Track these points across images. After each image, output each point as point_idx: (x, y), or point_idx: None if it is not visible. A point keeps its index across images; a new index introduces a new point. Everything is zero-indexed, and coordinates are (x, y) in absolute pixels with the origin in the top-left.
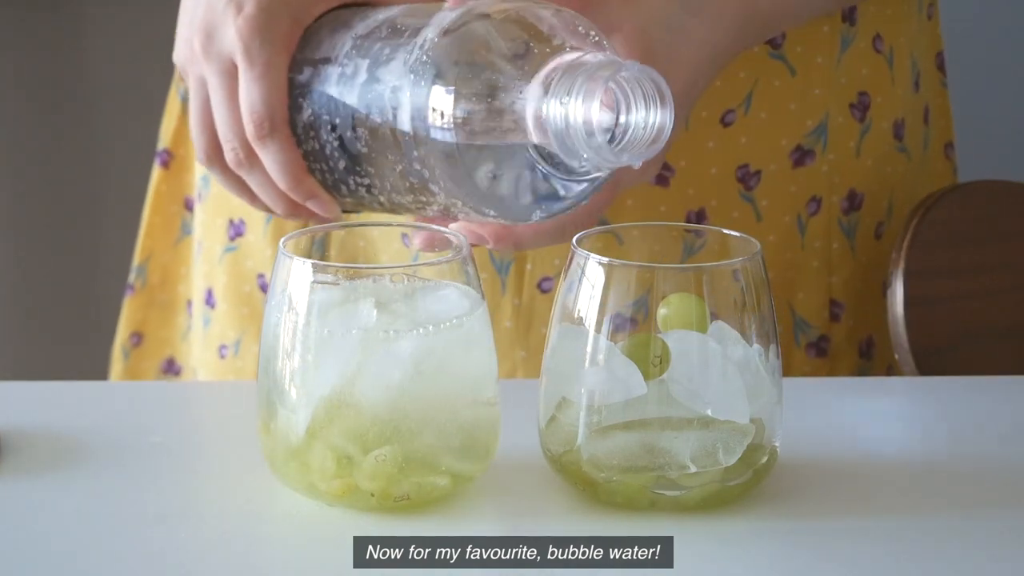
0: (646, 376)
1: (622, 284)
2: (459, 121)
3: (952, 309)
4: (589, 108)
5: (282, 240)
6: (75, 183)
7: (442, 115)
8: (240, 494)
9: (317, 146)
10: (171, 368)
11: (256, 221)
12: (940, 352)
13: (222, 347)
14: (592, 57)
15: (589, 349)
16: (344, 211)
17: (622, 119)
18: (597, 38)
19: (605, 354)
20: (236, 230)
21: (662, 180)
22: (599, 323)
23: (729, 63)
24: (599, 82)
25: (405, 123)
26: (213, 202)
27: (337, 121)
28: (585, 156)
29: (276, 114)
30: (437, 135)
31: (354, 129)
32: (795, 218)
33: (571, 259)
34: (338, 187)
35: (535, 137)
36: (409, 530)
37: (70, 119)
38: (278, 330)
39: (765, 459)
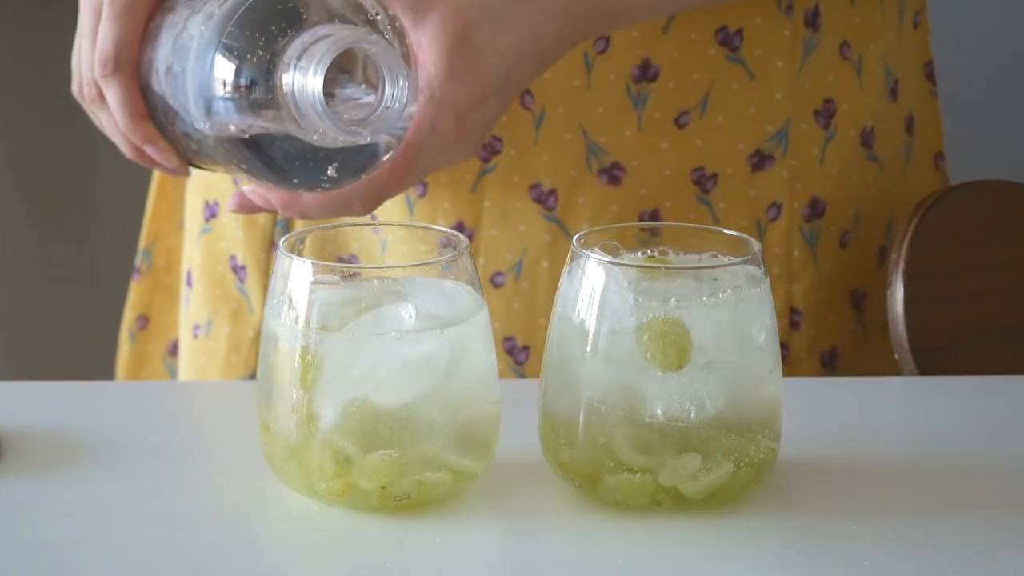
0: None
1: (621, 283)
2: (225, 88)
3: (952, 309)
4: (315, 80)
5: (282, 240)
6: (74, 176)
7: (215, 80)
8: (240, 494)
9: (156, 89)
10: (177, 351)
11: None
12: (940, 352)
13: (195, 327)
14: (340, 32)
15: (589, 348)
16: (193, 164)
17: (359, 95)
18: (378, 15)
19: (605, 353)
20: (211, 211)
21: (613, 179)
22: (598, 322)
23: (562, 55)
24: (327, 55)
25: (188, 80)
26: (193, 184)
27: (159, 68)
28: (320, 126)
29: (122, 54)
30: (209, 100)
31: (168, 76)
32: (754, 223)
33: (571, 258)
34: (174, 138)
35: (283, 106)
36: (409, 530)
37: (68, 111)
38: (279, 330)
39: (765, 459)
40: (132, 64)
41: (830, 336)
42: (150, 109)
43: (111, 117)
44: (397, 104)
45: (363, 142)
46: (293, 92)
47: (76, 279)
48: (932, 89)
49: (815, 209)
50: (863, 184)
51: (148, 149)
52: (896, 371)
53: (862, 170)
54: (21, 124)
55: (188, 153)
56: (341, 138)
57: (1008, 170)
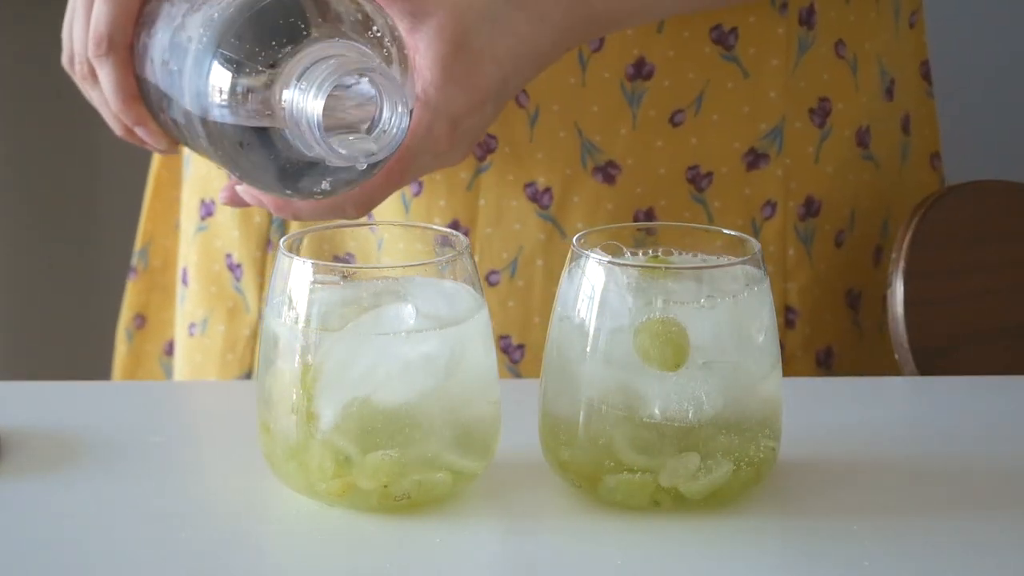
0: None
1: (621, 283)
2: (222, 96)
3: (952, 309)
4: (315, 103)
5: (281, 240)
6: (74, 176)
7: (212, 87)
8: (240, 494)
9: (150, 77)
10: (173, 351)
11: None
12: (940, 352)
13: (191, 325)
14: (342, 55)
15: (589, 348)
16: (179, 144)
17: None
18: (379, 34)
19: (604, 353)
20: (207, 210)
21: (608, 177)
22: (598, 322)
23: (558, 59)
24: (328, 81)
25: (185, 82)
26: (191, 182)
27: (154, 58)
28: (316, 149)
29: (116, 35)
30: (205, 107)
31: (164, 70)
32: (749, 222)
33: (571, 258)
34: (166, 122)
35: (280, 122)
36: (409, 530)
37: (68, 111)
38: (279, 330)
39: (765, 459)
40: (126, 46)
41: (825, 335)
42: (142, 92)
43: (102, 95)
44: (395, 130)
45: (360, 167)
46: (292, 112)
47: (76, 279)
48: (928, 89)
49: (810, 208)
50: (858, 183)
51: (138, 130)
52: (893, 370)
53: (857, 169)
54: (21, 124)
55: (180, 140)
56: (336, 162)
57: (1006, 170)
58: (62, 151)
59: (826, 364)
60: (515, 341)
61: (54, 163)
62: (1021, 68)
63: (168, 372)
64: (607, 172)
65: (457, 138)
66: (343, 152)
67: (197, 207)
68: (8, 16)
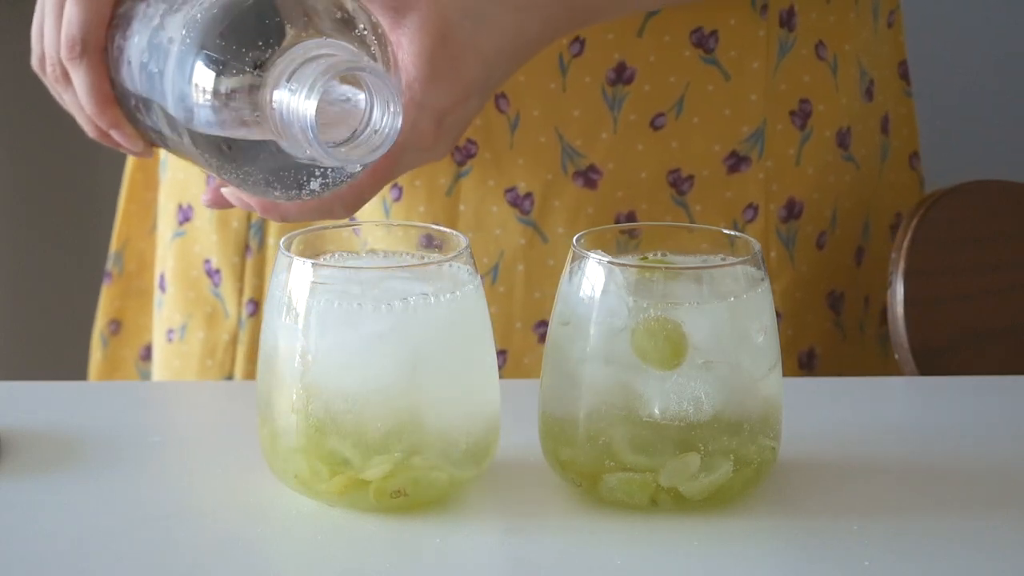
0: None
1: (620, 284)
2: (207, 98)
3: (952, 309)
4: (308, 104)
5: (281, 240)
6: (72, 176)
7: (197, 88)
8: (240, 494)
9: (127, 79)
10: (149, 355)
11: (203, 207)
12: (940, 352)
13: (169, 331)
14: (332, 55)
15: (588, 348)
16: (155, 146)
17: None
18: (363, 31)
19: (604, 353)
20: (184, 215)
21: (589, 182)
22: (598, 322)
23: (539, 52)
24: (320, 81)
25: (167, 84)
26: (167, 187)
27: (131, 60)
28: (309, 151)
29: (89, 37)
30: (189, 108)
31: (143, 72)
32: (730, 224)
33: (571, 258)
34: (142, 124)
35: (269, 125)
36: (409, 530)
37: (63, 115)
38: (279, 330)
39: (765, 459)
40: (99, 49)
41: (808, 337)
42: (117, 94)
43: (75, 98)
44: (387, 130)
45: (352, 169)
46: (283, 114)
47: (75, 280)
48: (907, 88)
49: (792, 210)
50: (839, 185)
51: (114, 133)
52: (875, 371)
53: (838, 171)
54: (21, 124)
55: (158, 142)
56: (328, 163)
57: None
58: (61, 151)
59: (809, 366)
60: (496, 347)
61: (53, 164)
62: (999, 67)
63: (145, 377)
64: (588, 177)
65: (442, 133)
66: (337, 154)
67: (174, 212)
68: (8, 16)
